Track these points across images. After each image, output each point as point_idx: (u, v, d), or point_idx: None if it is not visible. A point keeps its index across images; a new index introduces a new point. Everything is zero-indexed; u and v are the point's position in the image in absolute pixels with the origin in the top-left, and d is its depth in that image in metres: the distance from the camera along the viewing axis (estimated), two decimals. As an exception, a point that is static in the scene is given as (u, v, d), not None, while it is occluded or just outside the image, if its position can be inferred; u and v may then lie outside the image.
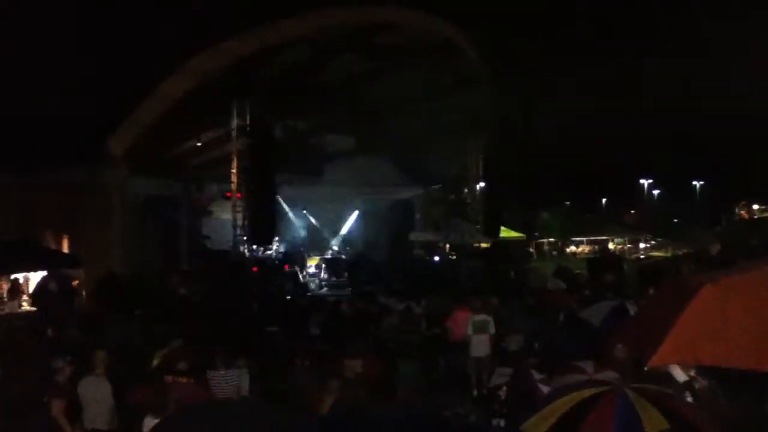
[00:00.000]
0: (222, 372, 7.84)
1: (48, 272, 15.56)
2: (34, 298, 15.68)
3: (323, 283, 25.80)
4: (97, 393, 7.25)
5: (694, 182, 51.13)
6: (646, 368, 4.28)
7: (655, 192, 53.55)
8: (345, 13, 18.65)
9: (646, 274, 19.06)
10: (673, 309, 3.97)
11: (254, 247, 22.16)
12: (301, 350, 9.96)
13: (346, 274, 25.50)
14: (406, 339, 12.02)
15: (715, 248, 17.68)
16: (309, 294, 20.76)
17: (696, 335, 3.82)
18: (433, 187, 30.73)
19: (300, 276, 25.30)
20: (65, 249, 18.33)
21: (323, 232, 31.26)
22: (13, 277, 16.05)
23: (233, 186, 21.31)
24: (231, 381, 7.89)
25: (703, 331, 3.82)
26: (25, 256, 15.29)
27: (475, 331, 11.49)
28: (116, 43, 16.11)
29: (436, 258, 29.60)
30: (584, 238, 47.99)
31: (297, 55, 20.27)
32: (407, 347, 11.62)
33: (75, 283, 16.51)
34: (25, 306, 15.83)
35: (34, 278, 16.17)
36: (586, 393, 3.78)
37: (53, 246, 17.99)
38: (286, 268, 24.17)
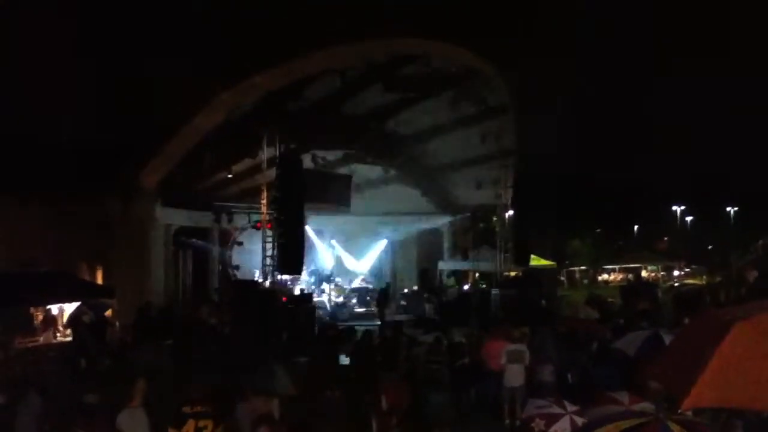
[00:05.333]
0: (252, 403, 7.84)
1: (81, 303, 15.80)
2: (68, 328, 15.92)
3: (352, 313, 25.78)
4: (136, 426, 7.23)
5: (728, 208, 50.20)
6: (679, 411, 4.18)
7: (688, 219, 52.74)
8: (370, 46, 18.90)
9: (681, 302, 18.69)
10: (705, 347, 3.86)
11: (284, 277, 22.23)
12: (331, 381, 9.93)
13: (375, 304, 25.44)
14: (434, 369, 11.93)
15: (752, 275, 17.22)
16: (338, 324, 20.71)
17: (729, 377, 3.71)
18: (461, 215, 30.62)
19: (328, 306, 25.35)
20: (99, 280, 18.62)
21: (351, 261, 31.27)
22: (47, 308, 16.33)
23: (263, 217, 21.50)
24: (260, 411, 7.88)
25: (736, 372, 3.71)
26: (59, 287, 15.54)
27: (509, 360, 11.36)
28: (149, 80, 16.53)
29: (466, 287, 29.39)
30: (616, 266, 47.34)
31: (326, 88, 20.55)
32: (435, 378, 11.53)
33: (108, 313, 16.74)
34: (60, 337, 16.07)
35: (69, 309, 16.43)
36: (626, 424, 3.70)
37: (87, 277, 18.28)
38: (315, 298, 24.20)
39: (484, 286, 27.90)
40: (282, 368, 9.06)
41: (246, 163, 22.87)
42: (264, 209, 21.40)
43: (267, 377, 8.56)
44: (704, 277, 40.28)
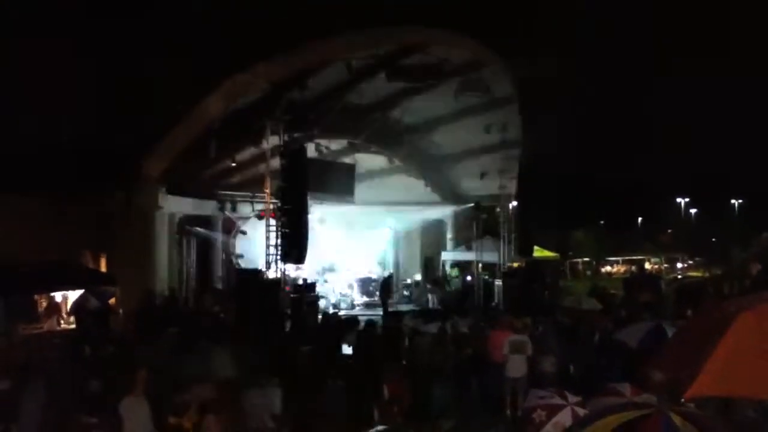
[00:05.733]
0: (255, 391, 7.88)
1: (85, 290, 15.83)
2: (72, 315, 15.98)
3: (355, 302, 25.82)
4: (137, 414, 7.30)
5: (732, 201, 49.99)
6: (683, 400, 4.18)
7: (692, 211, 52.59)
8: (373, 36, 18.85)
9: (684, 294, 18.68)
10: (710, 337, 3.85)
11: (287, 266, 22.24)
12: (333, 370, 9.95)
13: (378, 294, 25.46)
14: (437, 361, 11.95)
15: (755, 268, 17.19)
16: (340, 314, 20.74)
17: (733, 366, 3.70)
18: (465, 206, 30.56)
19: (331, 296, 25.38)
20: (103, 269, 18.64)
21: (355, 251, 31.24)
22: (50, 295, 16.37)
23: (266, 206, 21.47)
24: (264, 400, 7.92)
25: (741, 361, 3.70)
26: (61, 275, 15.55)
27: (511, 351, 11.38)
28: (151, 69, 16.48)
29: (468, 277, 29.38)
30: (620, 258, 47.31)
31: (331, 77, 20.49)
32: (439, 368, 11.54)
33: (111, 301, 16.78)
34: (64, 324, 16.12)
35: (72, 296, 16.47)
36: (627, 416, 3.68)
37: (91, 266, 18.30)
38: (317, 287, 24.16)
39: (487, 277, 27.91)
40: (218, 349, 8.96)
41: (250, 152, 22.85)
42: (268, 198, 21.37)
43: (202, 361, 8.56)
44: (707, 269, 40.21)
